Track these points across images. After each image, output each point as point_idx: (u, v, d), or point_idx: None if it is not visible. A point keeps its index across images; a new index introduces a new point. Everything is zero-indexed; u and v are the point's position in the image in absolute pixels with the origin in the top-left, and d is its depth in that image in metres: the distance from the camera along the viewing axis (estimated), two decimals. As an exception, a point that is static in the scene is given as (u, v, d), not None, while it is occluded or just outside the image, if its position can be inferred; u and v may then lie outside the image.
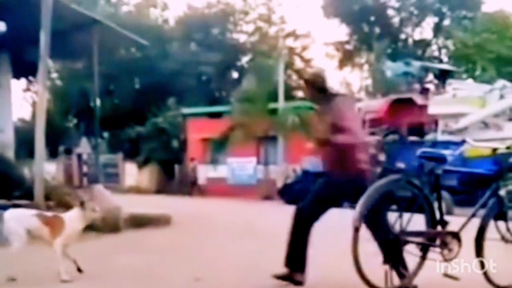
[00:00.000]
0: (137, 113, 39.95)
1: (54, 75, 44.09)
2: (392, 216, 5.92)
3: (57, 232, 7.02)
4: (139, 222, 12.42)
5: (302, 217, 6.76)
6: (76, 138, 36.27)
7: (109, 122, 36.61)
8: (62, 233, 7.03)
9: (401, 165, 19.49)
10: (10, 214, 7.14)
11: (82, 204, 7.30)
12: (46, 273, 7.21)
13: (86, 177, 25.07)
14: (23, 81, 38.36)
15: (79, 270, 7.13)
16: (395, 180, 6.05)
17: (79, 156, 26.40)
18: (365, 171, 6.46)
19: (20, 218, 7.11)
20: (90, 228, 11.40)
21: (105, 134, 39.06)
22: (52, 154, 28.87)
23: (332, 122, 6.39)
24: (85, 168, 27.69)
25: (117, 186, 30.83)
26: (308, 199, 6.90)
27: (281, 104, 29.67)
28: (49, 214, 7.65)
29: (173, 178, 34.56)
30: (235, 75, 47.28)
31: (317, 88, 6.79)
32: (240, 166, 30.91)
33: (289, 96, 34.70)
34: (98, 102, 20.36)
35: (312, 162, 25.71)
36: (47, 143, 12.83)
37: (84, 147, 29.33)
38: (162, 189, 33.02)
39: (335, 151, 6.51)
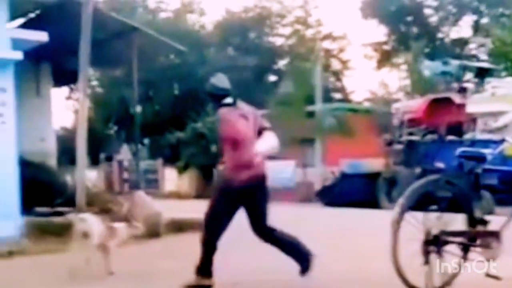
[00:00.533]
0: (177, 118, 40.18)
1: (95, 83, 44.58)
2: (432, 216, 5.91)
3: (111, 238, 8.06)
4: (179, 227, 12.53)
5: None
6: (117, 145, 36.62)
7: (149, 128, 36.91)
8: (114, 239, 8.10)
9: (440, 165, 19.35)
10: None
11: (128, 220, 8.76)
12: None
13: (127, 183, 25.30)
14: (64, 90, 38.96)
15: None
16: (434, 180, 6.04)
17: (120, 162, 26.65)
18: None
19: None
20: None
21: (146, 141, 39.36)
22: (94, 161, 29.18)
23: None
24: (125, 175, 27.92)
25: (158, 192, 31.05)
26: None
27: (318, 106, 29.66)
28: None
29: (212, 182, 34.63)
30: (272, 78, 47.28)
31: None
32: (278, 169, 30.82)
33: (326, 98, 34.67)
34: (138, 109, 20.59)
35: (351, 164, 25.68)
36: (89, 151, 13.01)
37: (124, 153, 29.58)
38: (201, 194, 33.11)
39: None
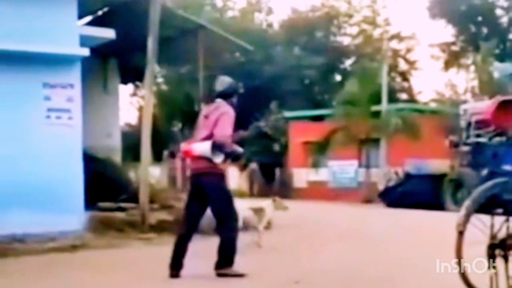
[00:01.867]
0: (241, 117, 40.24)
1: (160, 80, 45.07)
2: (499, 220, 5.78)
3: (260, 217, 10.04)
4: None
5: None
6: (181, 142, 36.95)
7: (213, 126, 37.05)
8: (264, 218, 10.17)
9: (508, 167, 18.99)
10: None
11: (274, 200, 10.42)
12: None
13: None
14: (130, 86, 39.47)
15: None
16: (502, 183, 5.89)
17: (183, 160, 26.70)
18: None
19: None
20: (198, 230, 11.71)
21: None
22: (157, 158, 29.46)
23: None
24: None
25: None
26: None
27: (384, 106, 29.41)
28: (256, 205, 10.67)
29: (274, 181, 34.66)
30: (338, 78, 47.10)
31: None
32: (341, 169, 30.75)
33: (392, 99, 34.37)
34: (202, 106, 20.67)
35: (415, 165, 25.38)
36: (153, 147, 13.13)
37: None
38: (263, 192, 33.17)
39: None
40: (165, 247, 10.31)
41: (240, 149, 7.89)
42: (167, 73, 42.85)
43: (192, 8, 39.74)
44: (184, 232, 7.60)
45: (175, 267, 7.44)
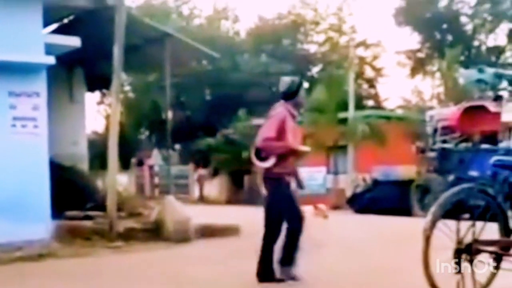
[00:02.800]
0: (208, 124, 40.33)
1: (127, 88, 44.93)
2: (465, 225, 5.84)
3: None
4: (209, 232, 12.54)
5: None
6: (148, 150, 36.89)
7: (180, 133, 37.05)
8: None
9: (474, 173, 19.18)
10: None
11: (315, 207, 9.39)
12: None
13: (157, 188, 25.37)
14: (96, 94, 39.27)
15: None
16: (468, 189, 5.98)
17: (151, 167, 26.77)
18: None
19: None
20: (161, 238, 11.63)
21: (177, 146, 39.54)
22: (125, 165, 29.34)
23: None
24: (156, 179, 28.03)
25: (188, 197, 31.18)
26: None
27: (351, 113, 29.56)
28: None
29: (243, 188, 34.67)
30: (305, 85, 47.13)
31: None
32: (310, 175, 30.73)
33: (359, 105, 34.58)
34: (169, 114, 20.65)
35: (383, 171, 25.54)
36: (120, 155, 13.03)
37: (155, 158, 29.66)
38: (232, 199, 33.18)
39: None
40: (133, 255, 10.29)
41: (297, 147, 7.43)
42: (134, 81, 42.77)
43: (158, 16, 39.70)
44: (267, 238, 7.52)
45: (264, 274, 7.36)
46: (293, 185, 7.41)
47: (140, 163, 33.22)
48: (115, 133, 12.33)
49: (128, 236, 11.70)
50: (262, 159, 7.13)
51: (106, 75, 13.91)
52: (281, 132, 7.06)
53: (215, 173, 35.27)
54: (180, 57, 18.42)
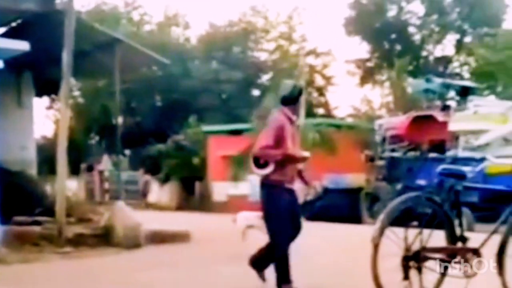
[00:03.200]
0: (159, 130, 40.16)
1: (77, 93, 44.50)
2: (412, 232, 5.92)
3: None
4: (159, 238, 12.50)
5: None
6: (98, 155, 36.54)
7: (130, 139, 36.81)
8: None
9: (422, 182, 19.45)
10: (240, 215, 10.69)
11: None
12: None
13: (107, 194, 25.13)
14: (45, 99, 38.80)
15: None
16: (415, 197, 6.07)
17: (101, 173, 26.44)
18: None
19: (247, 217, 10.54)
20: (110, 244, 11.53)
21: (127, 151, 39.29)
22: (74, 171, 29.04)
23: None
24: (106, 185, 27.76)
25: (138, 203, 30.98)
26: None
27: (301, 121, 29.64)
28: None
29: (193, 195, 34.62)
30: (256, 93, 47.35)
31: None
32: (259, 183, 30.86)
33: (309, 114, 34.74)
34: (120, 119, 20.46)
35: (333, 179, 25.72)
36: (69, 160, 12.91)
37: (105, 164, 29.35)
38: (182, 205, 33.09)
39: None
40: (82, 260, 10.20)
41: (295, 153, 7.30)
42: (83, 86, 42.34)
43: (108, 21, 39.40)
44: (273, 247, 7.30)
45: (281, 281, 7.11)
46: (298, 192, 7.45)
47: (90, 169, 32.91)
48: (64, 138, 12.21)
49: (77, 241, 11.58)
50: (261, 165, 7.05)
51: (55, 80, 13.76)
52: (279, 139, 6.97)
53: (166, 179, 35.11)
54: (130, 63, 18.26)
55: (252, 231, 10.73)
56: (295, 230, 7.28)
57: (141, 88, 40.28)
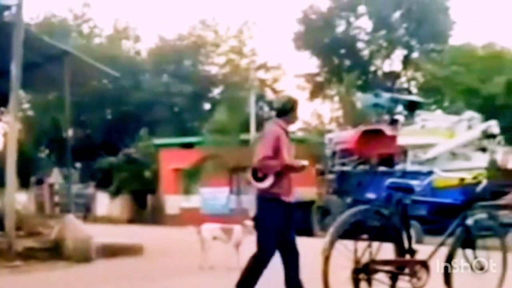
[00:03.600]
0: (109, 143, 39.90)
1: (26, 105, 43.97)
2: (362, 245, 6.01)
3: (230, 238, 10.69)
4: (111, 251, 12.39)
5: None
6: (48, 168, 36.12)
7: (81, 152, 36.51)
8: (233, 238, 10.66)
9: (371, 195, 19.67)
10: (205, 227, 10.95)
11: (243, 224, 10.71)
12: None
13: (57, 207, 24.82)
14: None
15: None
16: (364, 210, 6.14)
17: (51, 186, 26.10)
18: None
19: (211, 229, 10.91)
20: (61, 257, 11.41)
21: (77, 165, 38.93)
22: (24, 184, 28.66)
23: None
24: (56, 198, 27.44)
25: (89, 216, 30.73)
26: None
27: (253, 135, 29.78)
28: (227, 226, 11.09)
29: (145, 208, 34.45)
30: (207, 106, 47.37)
31: None
32: (213, 195, 30.93)
33: (260, 127, 34.86)
34: (70, 132, 20.32)
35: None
36: (19, 173, 12.78)
37: (55, 177, 29.00)
38: (134, 218, 32.89)
39: None
40: (32, 274, 10.09)
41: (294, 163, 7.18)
42: (33, 98, 41.84)
43: (58, 34, 39.09)
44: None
45: None
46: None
47: (40, 182, 32.54)
48: (13, 151, 12.10)
49: (27, 255, 11.43)
50: (259, 179, 6.91)
51: (4, 93, 13.61)
52: (277, 150, 6.89)
53: (117, 192, 34.85)
54: (80, 76, 18.08)
55: (215, 243, 10.79)
56: (290, 252, 7.13)
57: (91, 101, 40.00)
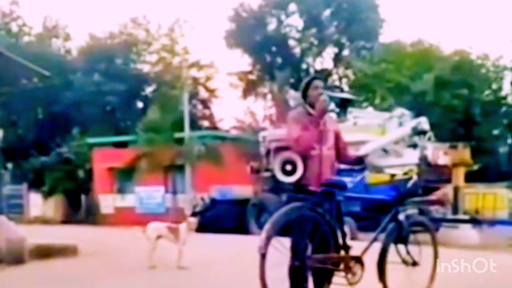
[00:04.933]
0: (41, 143, 39.28)
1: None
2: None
3: (177, 237, 10.90)
4: (45, 253, 12.25)
5: None
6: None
7: (12, 152, 35.89)
8: (179, 237, 10.89)
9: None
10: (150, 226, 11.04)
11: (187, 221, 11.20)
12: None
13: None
14: None
15: None
16: (298, 207, 6.22)
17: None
18: None
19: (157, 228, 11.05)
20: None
21: (9, 165, 38.23)
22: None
23: None
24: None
25: (22, 217, 30.24)
26: None
27: (186, 133, 29.73)
28: (173, 225, 11.31)
29: (80, 208, 34.08)
30: (140, 105, 47.00)
31: None
32: (148, 194, 30.78)
33: (194, 126, 34.85)
34: (0, 133, 19.99)
35: (220, 191, 25.91)
36: None
37: (-14, 178, 28.26)
38: (68, 219, 32.48)
39: None
40: None
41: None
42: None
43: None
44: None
45: None
46: None
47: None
48: None
49: None
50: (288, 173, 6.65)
51: None
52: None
53: (50, 192, 34.34)
54: (9, 75, 17.87)
55: (161, 241, 10.79)
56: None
57: (22, 100, 39.27)
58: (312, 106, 6.81)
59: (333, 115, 24.39)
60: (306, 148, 6.57)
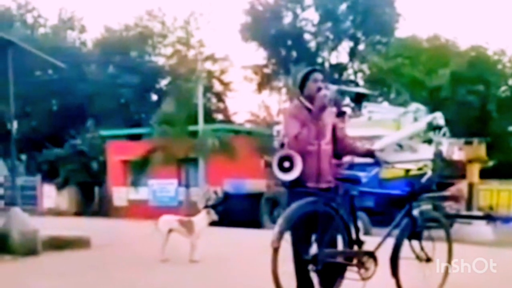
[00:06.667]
0: (55, 135, 39.38)
1: (-33, 97, 43.13)
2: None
3: (189, 230, 10.79)
4: (58, 244, 12.29)
5: None
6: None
7: (26, 144, 36.01)
8: (193, 230, 10.78)
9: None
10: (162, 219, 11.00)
11: (207, 211, 11.13)
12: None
13: (2, 200, 24.44)
14: None
15: None
16: (312, 202, 6.16)
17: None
18: None
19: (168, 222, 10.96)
20: (7, 251, 11.29)
21: (23, 157, 38.36)
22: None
23: None
24: (1, 191, 26.99)
25: (36, 209, 30.33)
26: None
27: (200, 126, 29.72)
28: (185, 218, 11.20)
29: (93, 200, 34.16)
30: (154, 97, 47.06)
31: None
32: (161, 188, 30.82)
33: (208, 119, 34.83)
34: (14, 124, 19.97)
35: (233, 184, 25.88)
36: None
37: (0, 169, 28.43)
38: (81, 211, 32.57)
39: None
40: None
41: None
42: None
43: (0, 24, 38.42)
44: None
45: None
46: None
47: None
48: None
49: None
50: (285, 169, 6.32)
51: None
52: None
53: (64, 184, 34.43)
54: (24, 67, 17.91)
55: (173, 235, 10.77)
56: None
57: (36, 92, 39.37)
58: (309, 100, 6.59)
59: (348, 110, 24.35)
60: (305, 145, 6.40)
